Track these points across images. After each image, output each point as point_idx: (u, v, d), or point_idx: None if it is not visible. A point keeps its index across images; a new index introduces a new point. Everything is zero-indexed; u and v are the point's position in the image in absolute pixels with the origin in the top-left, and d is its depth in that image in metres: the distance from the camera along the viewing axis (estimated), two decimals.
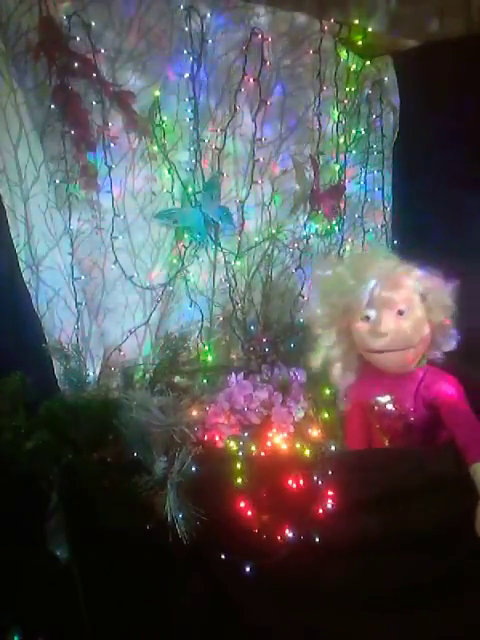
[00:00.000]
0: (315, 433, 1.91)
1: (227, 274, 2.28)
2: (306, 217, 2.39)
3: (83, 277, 2.07)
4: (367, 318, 1.81)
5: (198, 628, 1.64)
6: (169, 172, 2.17)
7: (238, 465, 1.59)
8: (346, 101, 2.38)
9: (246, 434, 1.83)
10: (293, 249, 2.38)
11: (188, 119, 2.17)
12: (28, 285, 2.00)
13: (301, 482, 1.59)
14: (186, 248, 2.22)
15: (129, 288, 2.16)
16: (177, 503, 1.53)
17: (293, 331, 2.26)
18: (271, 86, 2.28)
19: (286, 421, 1.92)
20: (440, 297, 1.83)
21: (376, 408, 1.87)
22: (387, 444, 1.91)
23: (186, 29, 2.10)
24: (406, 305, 1.80)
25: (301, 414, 1.97)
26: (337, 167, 2.41)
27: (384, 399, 1.85)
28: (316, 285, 1.98)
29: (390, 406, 1.84)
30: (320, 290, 1.92)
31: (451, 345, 1.88)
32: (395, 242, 2.46)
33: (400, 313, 1.79)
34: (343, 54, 2.35)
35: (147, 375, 1.98)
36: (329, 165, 2.41)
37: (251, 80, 2.22)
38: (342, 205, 2.42)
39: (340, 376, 1.93)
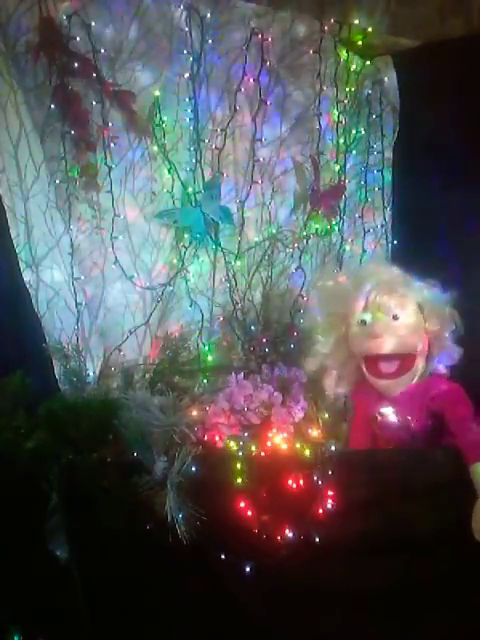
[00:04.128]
0: (315, 433, 1.91)
1: (227, 274, 2.28)
2: (306, 217, 2.39)
3: (83, 277, 2.08)
4: (363, 322, 1.82)
5: (198, 628, 1.64)
6: (169, 172, 2.17)
7: (238, 465, 1.59)
8: (346, 101, 2.38)
9: (246, 434, 1.83)
10: (293, 249, 2.38)
11: (188, 119, 2.17)
12: (28, 285, 2.00)
13: (301, 482, 1.59)
14: (186, 248, 2.22)
15: (129, 288, 2.16)
16: (177, 503, 1.53)
17: (293, 331, 2.27)
18: (271, 86, 2.29)
19: (286, 421, 1.92)
20: (437, 307, 1.85)
21: (379, 419, 1.87)
22: None
23: (186, 29, 2.11)
24: (401, 310, 1.81)
25: (301, 414, 1.97)
26: (337, 167, 2.41)
27: (387, 410, 1.85)
28: (317, 294, 2.01)
29: (393, 418, 1.84)
30: (321, 298, 1.96)
31: (452, 359, 1.88)
32: (395, 242, 2.46)
33: (395, 318, 1.81)
34: (343, 54, 2.35)
35: (147, 375, 1.98)
36: (329, 165, 2.41)
37: (251, 80, 2.22)
38: (342, 205, 2.42)
39: (334, 385, 1.94)
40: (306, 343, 2.08)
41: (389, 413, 1.85)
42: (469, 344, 1.91)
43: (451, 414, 1.75)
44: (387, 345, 1.80)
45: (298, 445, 1.68)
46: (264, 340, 2.21)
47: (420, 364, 1.84)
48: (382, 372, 1.82)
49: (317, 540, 1.58)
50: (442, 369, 1.89)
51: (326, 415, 2.09)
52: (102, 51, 2.00)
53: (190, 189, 2.20)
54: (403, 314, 1.81)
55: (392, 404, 1.84)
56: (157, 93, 2.11)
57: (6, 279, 1.96)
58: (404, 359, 1.81)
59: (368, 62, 2.40)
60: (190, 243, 2.22)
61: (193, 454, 1.58)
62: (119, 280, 2.14)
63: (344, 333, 1.88)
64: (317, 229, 2.40)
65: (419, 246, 2.28)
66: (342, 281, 1.93)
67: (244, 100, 2.24)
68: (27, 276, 2.00)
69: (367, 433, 1.94)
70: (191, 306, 2.24)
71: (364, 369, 1.85)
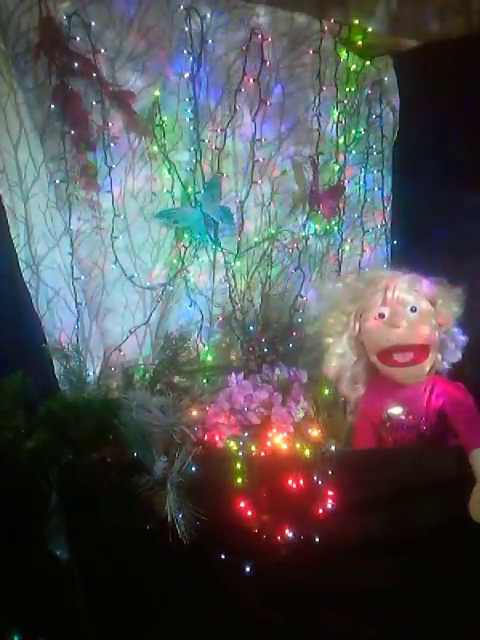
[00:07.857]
0: (315, 433, 1.91)
1: (227, 274, 2.28)
2: (305, 217, 2.39)
3: (83, 277, 2.08)
4: (381, 316, 1.85)
5: (198, 628, 1.64)
6: (169, 172, 2.17)
7: (238, 465, 1.59)
8: (346, 101, 2.38)
9: (246, 434, 1.83)
10: (292, 249, 2.38)
11: (188, 119, 2.17)
12: (28, 285, 2.00)
13: (301, 482, 1.59)
14: (186, 248, 2.22)
15: (129, 288, 2.16)
16: (177, 503, 1.53)
17: (293, 331, 2.27)
18: (271, 86, 2.29)
19: (286, 421, 1.92)
20: (448, 302, 1.89)
21: (388, 421, 1.88)
22: None
23: (186, 29, 2.11)
24: (417, 304, 1.85)
25: (301, 414, 1.97)
26: (337, 167, 2.41)
27: (396, 411, 1.86)
28: (326, 297, 2.02)
29: (403, 417, 1.85)
30: (331, 301, 1.96)
31: (457, 355, 1.92)
32: (395, 242, 2.46)
33: (413, 310, 1.84)
34: (343, 54, 2.35)
35: (147, 375, 1.98)
36: (329, 165, 2.41)
37: (251, 80, 2.22)
38: (341, 205, 2.42)
39: (349, 387, 1.95)
40: (307, 344, 2.08)
41: (398, 413, 1.86)
42: (470, 344, 1.93)
43: (454, 410, 1.78)
44: (406, 335, 1.82)
45: (298, 445, 1.69)
46: (264, 340, 2.21)
47: (432, 356, 1.86)
48: (398, 362, 1.83)
49: (317, 540, 1.59)
50: (446, 366, 1.92)
51: (326, 415, 2.08)
52: (102, 51, 2.00)
53: (190, 189, 2.20)
54: (419, 307, 1.85)
55: (401, 404, 1.85)
56: (157, 93, 2.11)
57: (6, 279, 1.97)
58: (418, 350, 1.83)
59: (368, 62, 2.40)
60: (190, 243, 2.23)
61: (193, 454, 1.58)
62: (119, 280, 2.14)
63: (356, 332, 1.90)
64: (316, 229, 2.40)
65: (419, 246, 2.28)
66: (351, 281, 1.96)
67: (244, 100, 2.24)
68: (27, 276, 2.00)
69: (372, 439, 1.94)
70: (191, 306, 2.24)
71: (377, 363, 1.87)
